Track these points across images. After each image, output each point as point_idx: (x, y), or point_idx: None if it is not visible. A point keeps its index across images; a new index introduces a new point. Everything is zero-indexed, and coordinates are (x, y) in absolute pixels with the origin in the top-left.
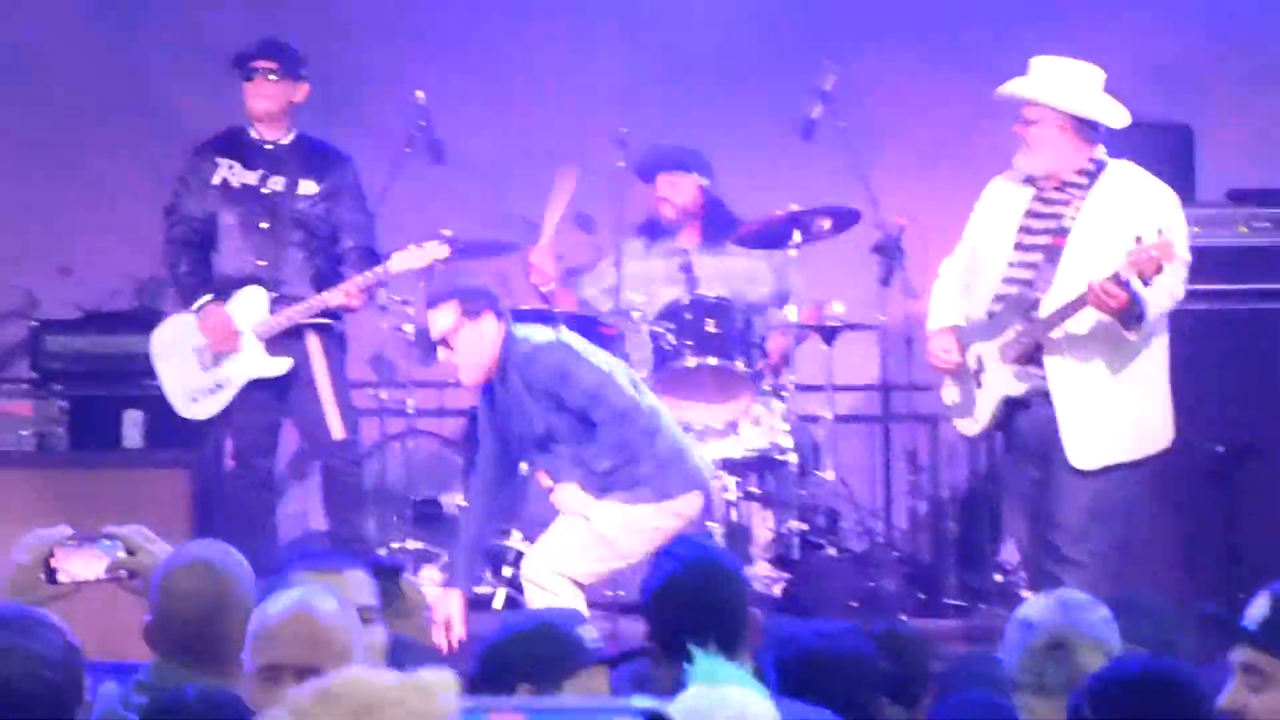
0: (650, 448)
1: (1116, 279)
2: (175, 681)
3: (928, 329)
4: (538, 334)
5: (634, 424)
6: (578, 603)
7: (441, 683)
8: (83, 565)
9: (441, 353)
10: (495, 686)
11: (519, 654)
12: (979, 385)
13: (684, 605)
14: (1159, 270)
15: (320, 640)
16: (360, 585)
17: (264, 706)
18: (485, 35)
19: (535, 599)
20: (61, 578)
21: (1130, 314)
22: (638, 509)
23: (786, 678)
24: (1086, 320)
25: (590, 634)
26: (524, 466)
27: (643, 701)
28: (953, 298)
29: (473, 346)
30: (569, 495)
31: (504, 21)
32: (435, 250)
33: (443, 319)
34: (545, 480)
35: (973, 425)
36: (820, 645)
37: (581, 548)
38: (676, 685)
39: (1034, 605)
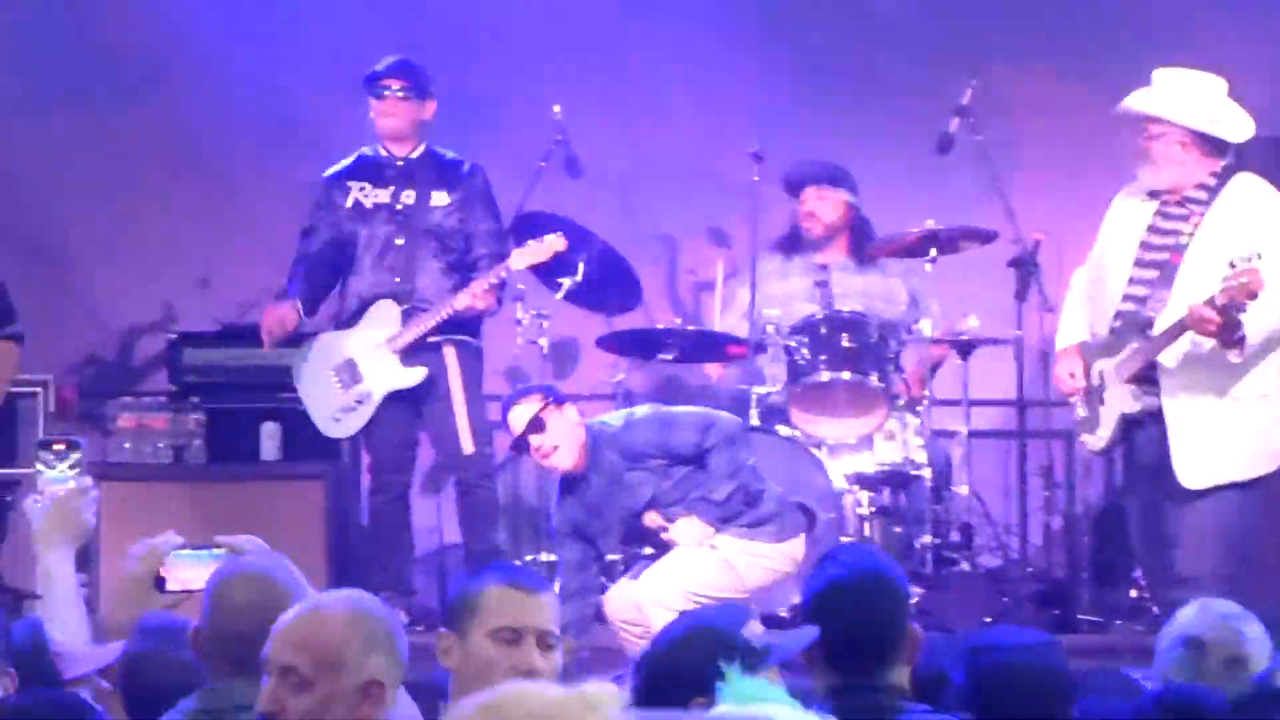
0: (765, 485)
1: (1211, 303)
2: (225, 692)
3: (1056, 347)
4: (617, 415)
5: (746, 447)
6: None
7: (607, 696)
8: (192, 574)
9: (535, 439)
10: (664, 699)
11: (684, 663)
12: (1101, 402)
13: (844, 612)
14: (1252, 296)
15: (311, 646)
16: (549, 608)
17: (264, 704)
18: (621, 49)
19: (658, 620)
20: (171, 586)
21: (1230, 337)
22: (758, 545)
23: (980, 689)
24: (1194, 341)
25: (756, 630)
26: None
27: None
28: (1079, 313)
29: (565, 429)
30: (688, 527)
31: (639, 35)
32: (554, 242)
33: (528, 409)
34: (656, 519)
35: (1097, 441)
36: (1019, 657)
37: (709, 571)
38: (830, 692)
39: (1190, 615)
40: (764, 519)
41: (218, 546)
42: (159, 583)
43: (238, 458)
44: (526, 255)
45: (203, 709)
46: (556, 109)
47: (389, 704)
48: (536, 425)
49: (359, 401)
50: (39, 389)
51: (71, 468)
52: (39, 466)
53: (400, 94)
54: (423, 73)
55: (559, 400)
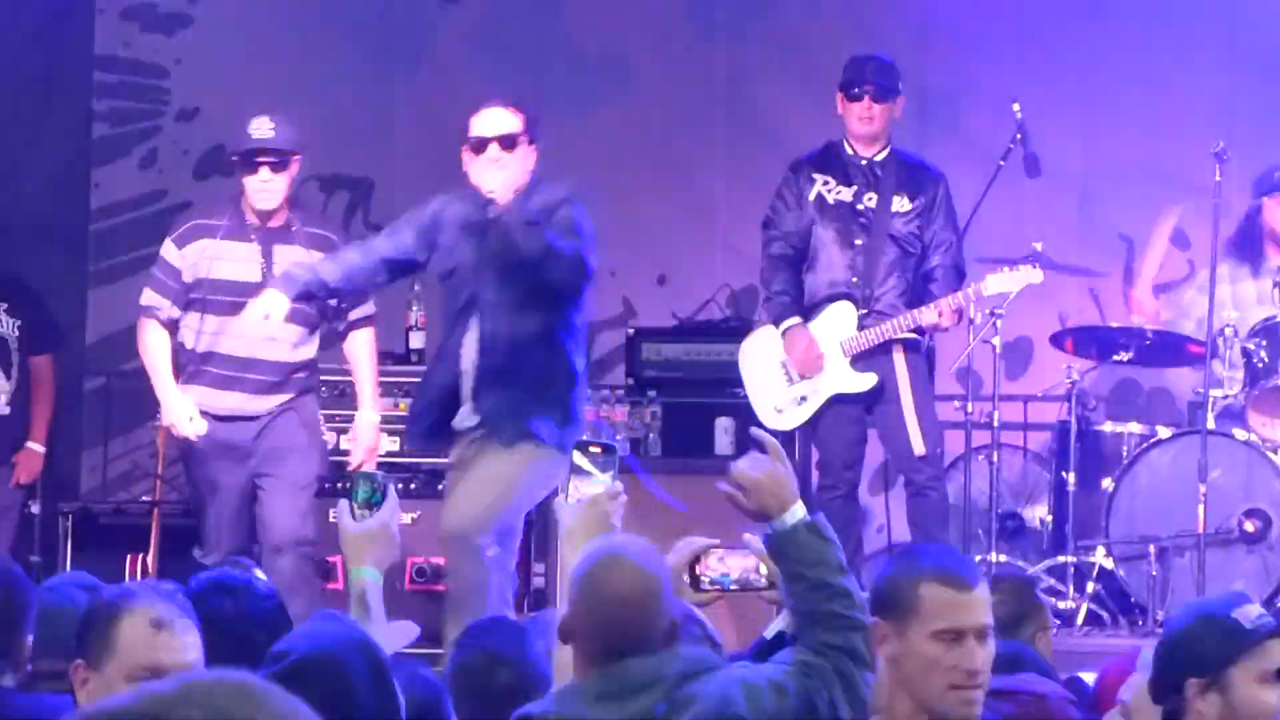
0: None
1: None
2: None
3: None
4: None
5: None
6: None
7: None
8: (724, 572)
9: (495, 150)
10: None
11: (1184, 652)
12: None
13: None
14: None
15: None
16: (985, 601)
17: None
18: (1081, 45)
19: None
20: (705, 584)
21: None
22: None
23: None
24: None
25: (1253, 612)
26: None
27: None
28: None
29: (521, 165)
30: None
31: (1100, 31)
32: (1029, 275)
33: (510, 121)
34: None
35: None
36: None
37: None
38: None
39: None
40: None
41: (750, 545)
42: (694, 580)
43: (692, 451)
44: (1001, 282)
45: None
46: (1016, 107)
47: None
48: (508, 142)
49: (804, 398)
50: None
51: (605, 471)
52: (573, 467)
53: (874, 98)
54: (895, 74)
55: (533, 139)
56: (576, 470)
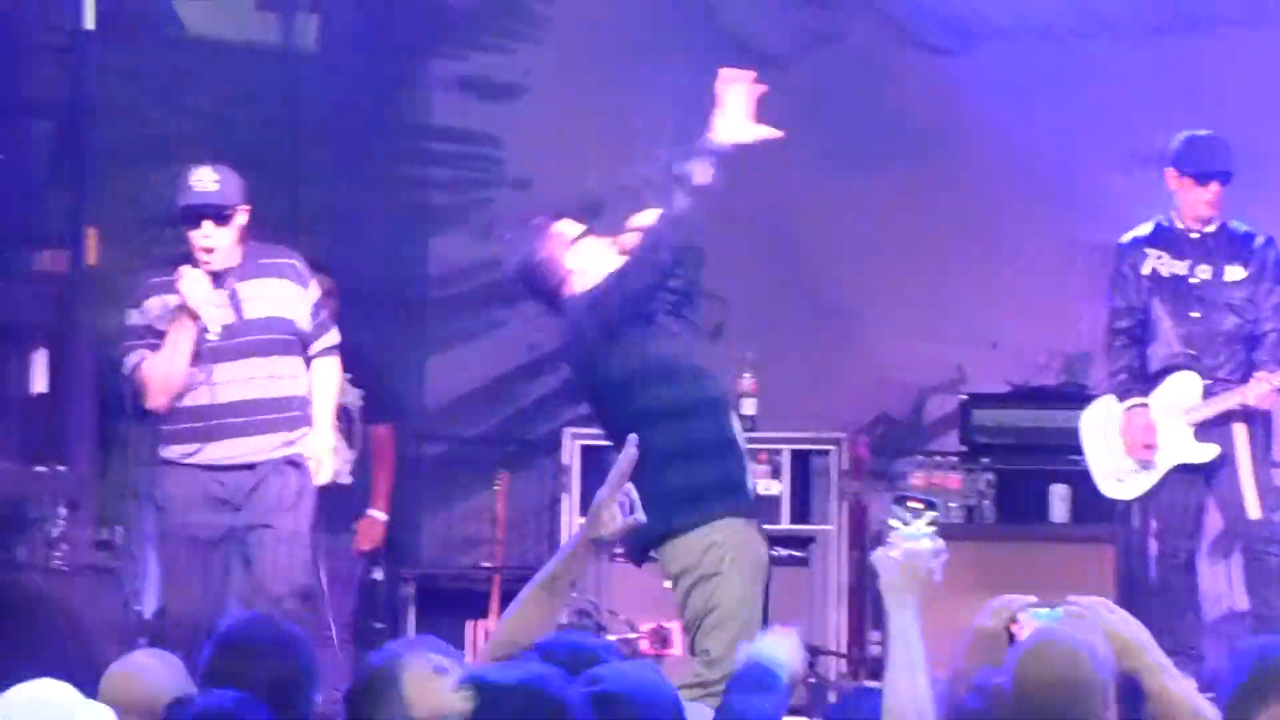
0: None
1: None
2: None
3: None
4: None
5: None
6: None
7: None
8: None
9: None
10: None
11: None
12: None
13: None
14: None
15: None
16: None
17: None
18: None
19: None
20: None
21: None
22: None
23: None
24: None
25: None
26: None
27: None
28: None
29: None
30: None
31: None
32: None
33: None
34: None
35: None
36: None
37: None
38: None
39: None
40: None
41: (1067, 606)
42: (1010, 639)
43: (1026, 518)
44: None
45: None
46: None
47: None
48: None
49: (1145, 466)
50: (833, 446)
51: (928, 526)
52: (893, 522)
53: (1224, 181)
54: (1230, 153)
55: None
56: (898, 525)
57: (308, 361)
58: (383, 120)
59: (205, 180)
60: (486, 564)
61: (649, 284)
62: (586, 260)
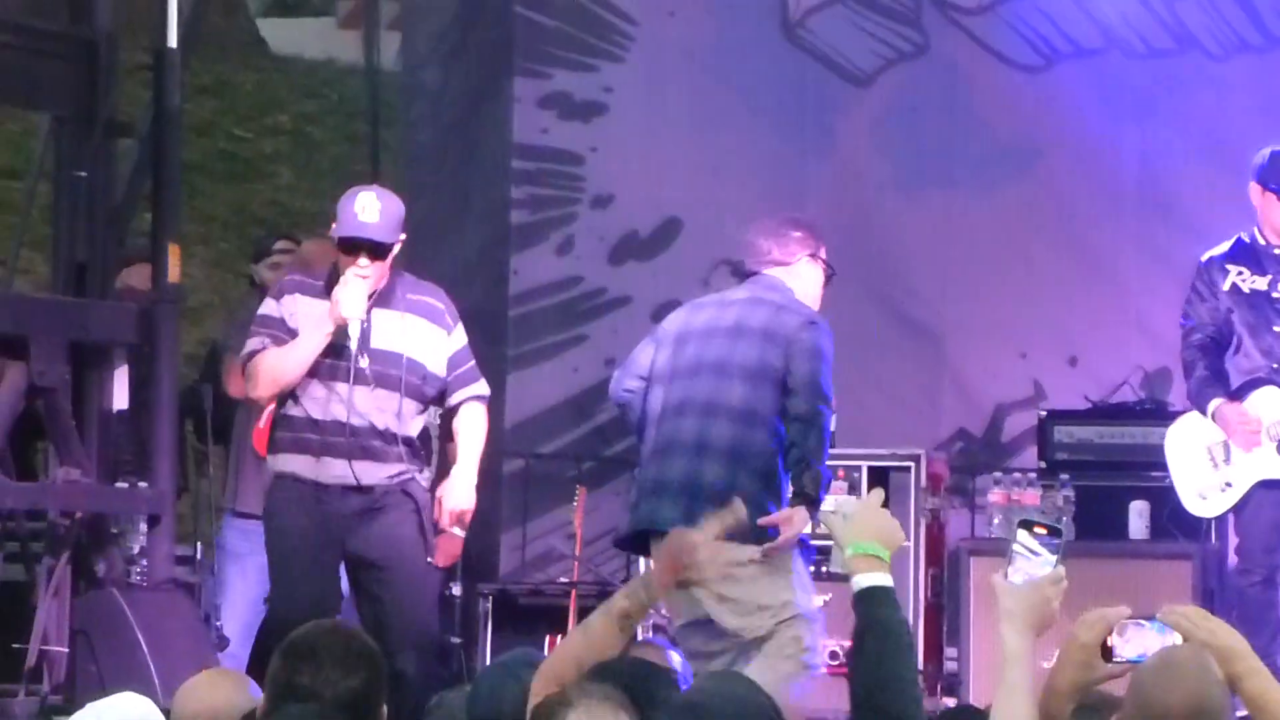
0: None
1: None
2: None
3: None
4: None
5: None
6: None
7: None
8: (1138, 646)
9: None
10: None
11: None
12: None
13: None
14: None
15: None
16: None
17: None
18: None
19: None
20: (1119, 656)
21: None
22: None
23: None
24: None
25: None
26: None
27: None
28: None
29: None
30: None
31: None
32: None
33: None
34: None
35: None
36: None
37: None
38: None
39: None
40: None
41: (1164, 616)
42: (1106, 653)
43: (1106, 535)
44: None
45: None
46: None
47: None
48: None
49: (1228, 484)
50: (911, 463)
51: (1052, 553)
52: (1017, 547)
53: None
54: None
55: None
56: (1021, 550)
57: (431, 404)
58: (463, 137)
59: (369, 209)
60: (564, 580)
61: None
62: None
